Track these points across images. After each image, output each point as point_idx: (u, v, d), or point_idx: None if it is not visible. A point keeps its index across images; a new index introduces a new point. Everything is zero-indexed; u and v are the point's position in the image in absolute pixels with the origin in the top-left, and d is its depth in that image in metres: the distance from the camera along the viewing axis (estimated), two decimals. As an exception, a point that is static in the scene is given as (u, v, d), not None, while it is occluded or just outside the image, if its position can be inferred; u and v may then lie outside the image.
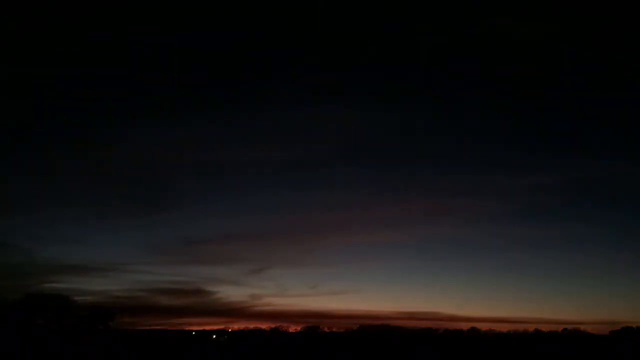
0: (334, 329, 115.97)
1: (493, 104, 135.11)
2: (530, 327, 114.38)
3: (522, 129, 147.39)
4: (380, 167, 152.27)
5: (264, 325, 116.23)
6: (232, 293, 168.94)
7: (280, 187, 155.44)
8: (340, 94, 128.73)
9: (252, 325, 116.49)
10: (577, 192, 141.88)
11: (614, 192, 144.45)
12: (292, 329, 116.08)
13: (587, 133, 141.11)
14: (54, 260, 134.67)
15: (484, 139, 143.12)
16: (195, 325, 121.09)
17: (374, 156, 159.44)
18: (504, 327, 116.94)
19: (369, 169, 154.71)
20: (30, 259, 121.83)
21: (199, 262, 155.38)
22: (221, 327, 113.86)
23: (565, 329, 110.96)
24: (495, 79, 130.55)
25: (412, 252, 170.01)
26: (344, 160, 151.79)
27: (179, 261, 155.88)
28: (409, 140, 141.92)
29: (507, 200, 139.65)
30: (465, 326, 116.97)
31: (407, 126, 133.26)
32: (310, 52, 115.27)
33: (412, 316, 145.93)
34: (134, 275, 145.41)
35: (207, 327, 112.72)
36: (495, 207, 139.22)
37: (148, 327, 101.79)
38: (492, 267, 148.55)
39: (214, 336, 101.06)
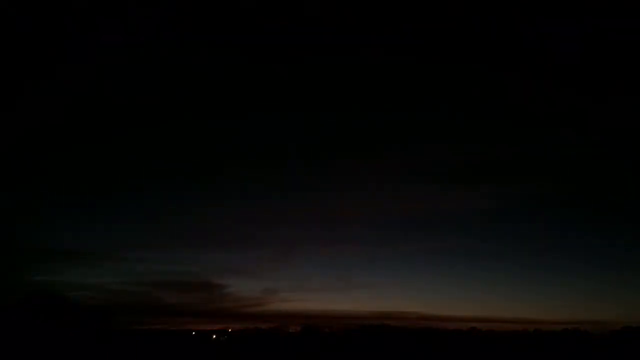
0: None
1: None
2: (531, 327, 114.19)
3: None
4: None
5: (265, 326, 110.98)
6: (244, 287, 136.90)
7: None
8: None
9: (253, 326, 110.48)
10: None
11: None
12: (293, 329, 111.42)
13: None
14: (36, 245, 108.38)
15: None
16: (201, 324, 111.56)
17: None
18: (503, 327, 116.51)
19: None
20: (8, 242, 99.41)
21: (211, 246, 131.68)
22: (222, 326, 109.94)
23: (565, 329, 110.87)
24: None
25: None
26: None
27: (187, 245, 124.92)
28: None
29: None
30: (465, 326, 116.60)
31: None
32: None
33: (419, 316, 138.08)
34: (133, 265, 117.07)
35: (209, 327, 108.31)
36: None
37: (151, 328, 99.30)
38: (490, 265, 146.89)
39: (214, 336, 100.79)
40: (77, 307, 76.91)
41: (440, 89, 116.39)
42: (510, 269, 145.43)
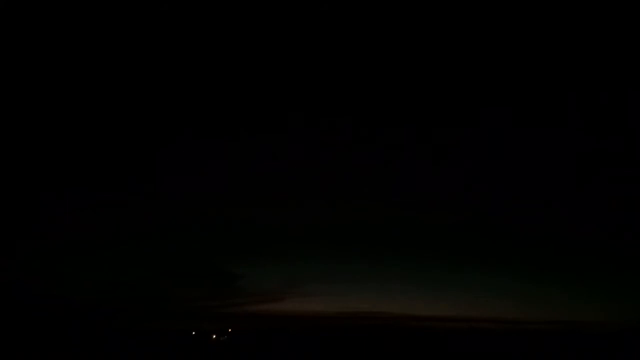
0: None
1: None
2: (530, 327, 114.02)
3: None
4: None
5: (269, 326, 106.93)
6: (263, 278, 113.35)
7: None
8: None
9: (258, 325, 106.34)
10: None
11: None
12: (294, 329, 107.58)
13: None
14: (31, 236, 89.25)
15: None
16: (204, 324, 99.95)
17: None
18: (502, 327, 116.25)
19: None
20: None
21: (231, 229, 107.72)
22: (224, 326, 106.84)
23: (563, 329, 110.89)
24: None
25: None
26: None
27: (201, 229, 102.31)
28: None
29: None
30: (465, 326, 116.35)
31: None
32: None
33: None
34: (132, 252, 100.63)
35: (210, 327, 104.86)
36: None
37: (151, 328, 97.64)
38: (490, 264, 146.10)
39: (214, 336, 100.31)
40: (76, 306, 76.43)
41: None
42: (509, 268, 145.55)
